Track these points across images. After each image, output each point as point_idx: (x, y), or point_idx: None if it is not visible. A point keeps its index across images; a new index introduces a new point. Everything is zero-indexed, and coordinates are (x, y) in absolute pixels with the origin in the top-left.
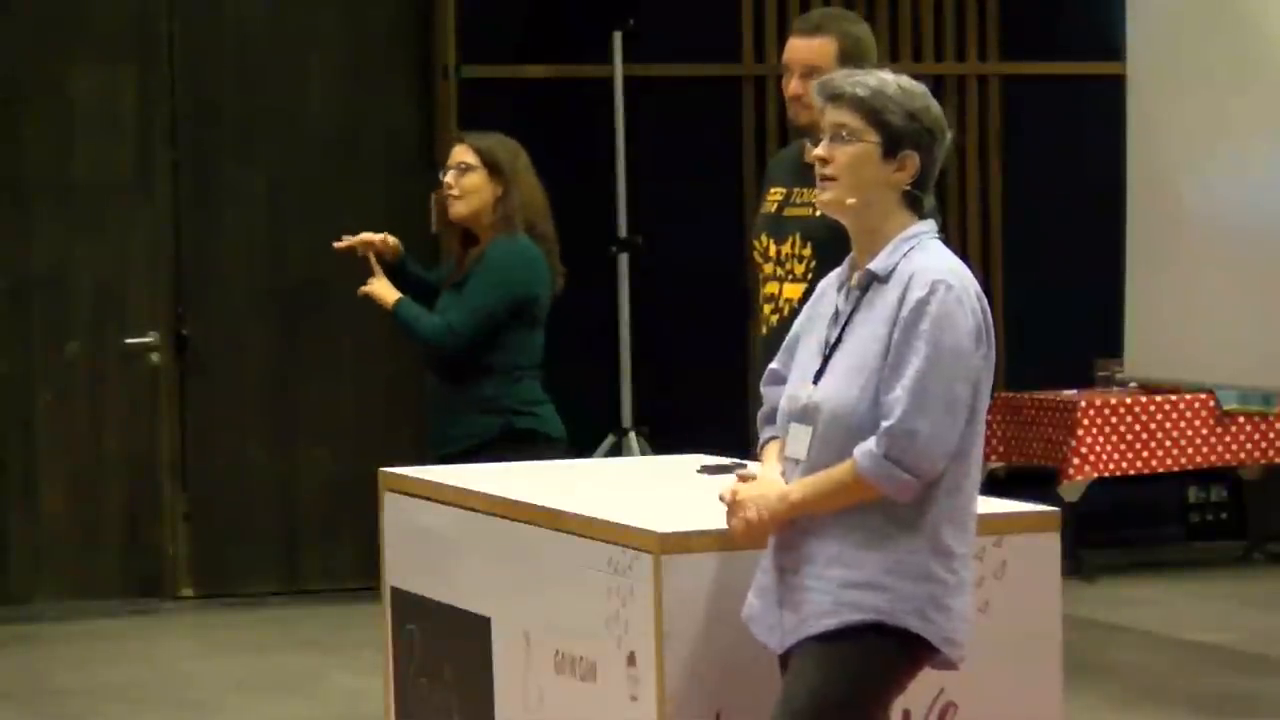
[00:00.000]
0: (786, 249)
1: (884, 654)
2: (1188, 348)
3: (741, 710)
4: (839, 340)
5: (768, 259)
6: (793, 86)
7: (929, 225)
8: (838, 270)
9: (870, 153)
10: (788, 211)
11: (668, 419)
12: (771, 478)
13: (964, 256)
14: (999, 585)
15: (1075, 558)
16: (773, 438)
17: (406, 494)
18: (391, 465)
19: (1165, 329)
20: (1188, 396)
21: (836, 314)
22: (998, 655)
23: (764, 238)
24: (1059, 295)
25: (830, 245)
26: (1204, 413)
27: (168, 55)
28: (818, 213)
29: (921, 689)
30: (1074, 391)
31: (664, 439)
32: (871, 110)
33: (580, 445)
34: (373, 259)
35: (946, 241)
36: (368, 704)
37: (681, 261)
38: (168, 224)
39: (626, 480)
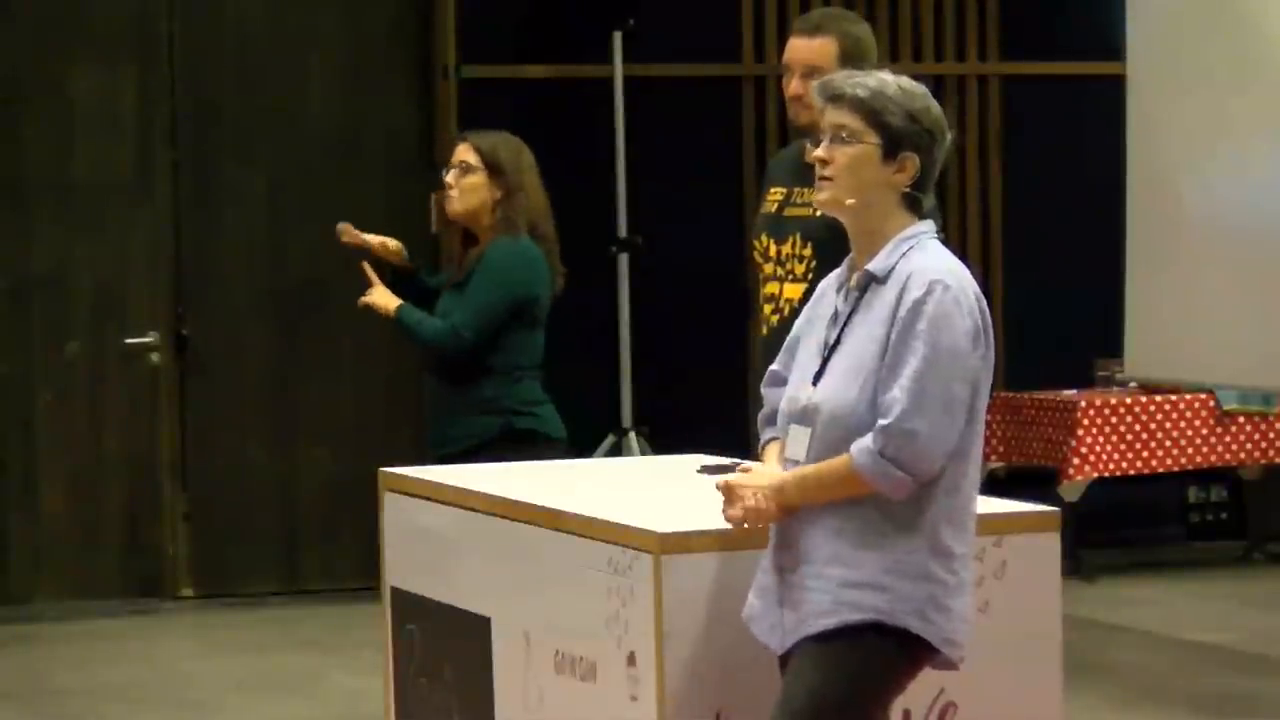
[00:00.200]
0: (787, 249)
1: (883, 654)
2: (1188, 348)
3: (741, 710)
4: (837, 341)
5: (768, 259)
6: (793, 86)
7: (928, 225)
8: (837, 271)
9: (870, 154)
10: (788, 211)
11: (668, 419)
12: (768, 469)
13: (964, 256)
14: (999, 585)
15: (1075, 558)
16: (773, 439)
17: (406, 494)
18: (391, 465)
19: (1165, 329)
20: (1188, 396)
21: (835, 315)
22: (998, 655)
23: (764, 238)
24: (1059, 295)
25: (830, 245)
26: (1204, 413)
27: (168, 55)
28: (818, 213)
29: (921, 689)
30: (1074, 391)
31: (664, 439)
32: (872, 111)
33: (580, 445)
34: (368, 270)
35: (946, 242)
36: (368, 704)
37: (681, 261)
38: (168, 224)
39: (626, 480)
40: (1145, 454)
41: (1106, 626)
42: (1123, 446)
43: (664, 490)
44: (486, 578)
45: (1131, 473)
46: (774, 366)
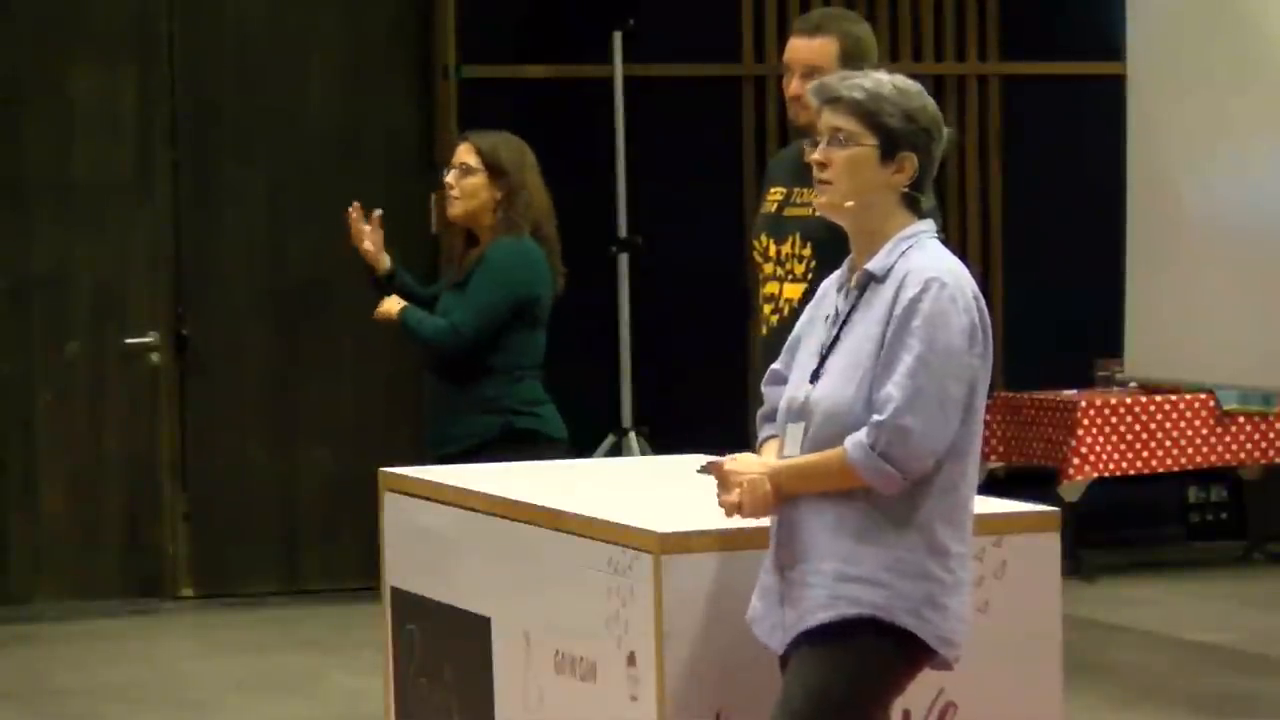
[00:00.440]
0: (786, 249)
1: (881, 654)
2: (1188, 348)
3: (741, 710)
4: (836, 340)
5: (768, 259)
6: (793, 86)
7: (928, 225)
8: (838, 272)
9: (868, 155)
10: (788, 211)
11: (668, 419)
12: (761, 458)
13: (964, 256)
14: (999, 585)
15: (1075, 558)
16: (771, 436)
17: (406, 494)
18: (391, 465)
19: (1165, 329)
20: (1188, 396)
21: (835, 315)
22: (998, 655)
23: (764, 238)
24: (1059, 295)
25: (830, 245)
26: (1204, 413)
27: (168, 55)
28: (817, 213)
29: (921, 689)
30: (1074, 391)
31: (664, 439)
32: (868, 113)
33: (580, 445)
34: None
35: (946, 241)
36: (368, 704)
37: (681, 261)
38: (168, 224)
39: (626, 480)
40: (1145, 454)
41: (1106, 626)
42: (1123, 446)
43: (664, 490)
44: (486, 578)
45: (1131, 473)
46: (775, 365)
